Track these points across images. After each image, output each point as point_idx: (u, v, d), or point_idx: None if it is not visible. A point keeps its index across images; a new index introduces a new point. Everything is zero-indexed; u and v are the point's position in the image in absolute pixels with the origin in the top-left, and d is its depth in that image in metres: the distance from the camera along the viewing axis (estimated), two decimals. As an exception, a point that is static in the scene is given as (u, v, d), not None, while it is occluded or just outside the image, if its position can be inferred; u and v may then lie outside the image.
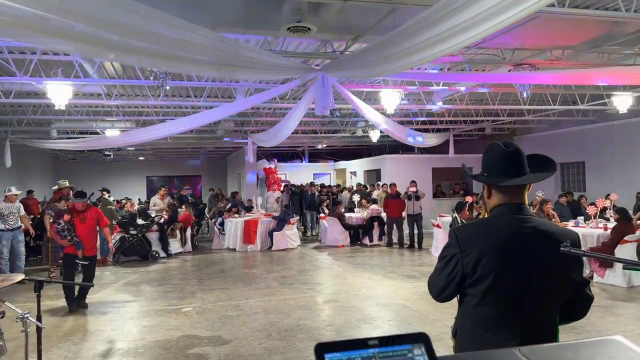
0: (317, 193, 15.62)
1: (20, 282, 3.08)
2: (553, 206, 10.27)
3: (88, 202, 7.48)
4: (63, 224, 6.76)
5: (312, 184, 17.31)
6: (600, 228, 8.47)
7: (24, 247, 9.15)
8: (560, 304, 1.87)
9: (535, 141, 15.72)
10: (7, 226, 8.64)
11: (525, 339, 1.76)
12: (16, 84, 8.48)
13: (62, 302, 7.28)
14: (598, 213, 9.02)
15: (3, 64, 7.16)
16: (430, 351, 0.83)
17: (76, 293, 6.93)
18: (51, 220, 9.15)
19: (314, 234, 15.42)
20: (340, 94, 8.15)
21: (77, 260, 6.86)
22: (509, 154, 1.92)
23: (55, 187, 11.02)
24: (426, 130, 14.98)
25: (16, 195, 8.97)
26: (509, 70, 7.55)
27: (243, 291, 7.94)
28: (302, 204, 15.41)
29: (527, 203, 1.95)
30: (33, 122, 12.54)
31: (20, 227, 8.92)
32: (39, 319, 2.91)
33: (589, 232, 8.45)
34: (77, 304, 6.87)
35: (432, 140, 14.02)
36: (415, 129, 13.94)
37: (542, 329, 1.83)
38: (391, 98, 8.98)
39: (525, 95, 8.09)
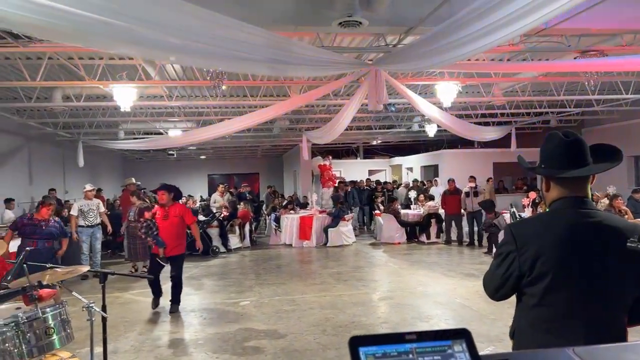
0: (349, 189, 15.10)
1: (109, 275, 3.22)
2: (626, 202, 9.62)
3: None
4: (143, 222, 6.64)
5: (347, 182, 16.36)
6: (680, 225, 7.82)
7: (100, 243, 9.50)
8: (629, 304, 1.73)
9: (606, 133, 14.75)
10: (86, 222, 9.01)
11: (589, 341, 1.65)
12: (86, 88, 9.01)
13: (129, 294, 7.69)
14: (677, 209, 8.34)
15: (74, 70, 7.63)
16: (471, 347, 0.79)
17: (170, 297, 6.60)
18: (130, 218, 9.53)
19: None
20: (395, 88, 8.02)
21: (157, 260, 6.50)
22: (569, 143, 1.80)
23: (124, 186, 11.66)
24: (486, 124, 14.47)
25: (91, 191, 9.34)
26: (575, 58, 7.12)
27: (299, 286, 8.02)
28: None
29: (590, 196, 1.83)
30: (102, 123, 13.29)
31: (98, 224, 9.27)
32: (103, 309, 3.08)
33: (667, 229, 7.83)
34: (170, 308, 6.57)
35: (491, 134, 13.51)
36: (474, 123, 13.48)
37: (609, 331, 1.70)
38: (448, 91, 8.74)
39: (592, 84, 7.60)
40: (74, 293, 3.22)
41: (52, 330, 2.67)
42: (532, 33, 6.08)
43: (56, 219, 7.26)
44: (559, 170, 1.79)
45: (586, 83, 8.70)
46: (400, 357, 0.75)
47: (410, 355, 0.76)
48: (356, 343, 0.77)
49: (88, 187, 9.41)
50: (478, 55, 7.34)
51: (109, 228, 9.84)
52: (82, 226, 8.98)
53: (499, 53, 7.57)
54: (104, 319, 3.12)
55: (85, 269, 3.31)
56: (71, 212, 9.17)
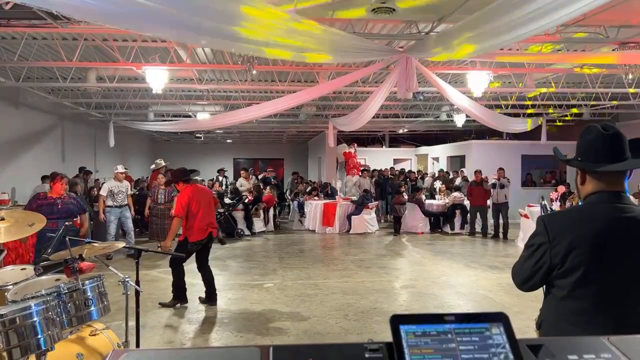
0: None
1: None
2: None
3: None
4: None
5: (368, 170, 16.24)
6: None
7: (132, 222, 9.56)
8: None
9: (642, 128, 14.28)
10: (115, 203, 9.12)
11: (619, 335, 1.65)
12: (119, 69, 9.17)
13: (156, 272, 7.88)
14: None
15: (108, 51, 7.78)
16: (509, 331, 0.81)
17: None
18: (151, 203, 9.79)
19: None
20: (425, 76, 7.94)
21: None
22: (608, 137, 1.78)
23: (153, 166, 11.86)
24: (517, 115, 14.19)
25: (122, 173, 9.40)
26: (613, 50, 6.91)
27: (321, 271, 8.11)
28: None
29: (626, 191, 1.81)
30: (133, 105, 13.54)
31: (126, 204, 9.37)
32: (137, 283, 3.20)
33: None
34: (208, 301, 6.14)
35: (521, 125, 13.24)
36: (505, 114, 13.24)
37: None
38: (479, 80, 8.60)
39: (630, 77, 7.36)
40: (110, 267, 3.35)
41: (91, 301, 2.80)
42: (570, 23, 5.93)
43: (72, 194, 6.57)
44: (596, 163, 1.78)
45: (623, 76, 8.44)
46: (439, 336, 0.79)
47: (449, 335, 0.79)
48: (397, 321, 0.80)
49: (120, 168, 9.48)
50: (511, 45, 7.20)
51: (132, 211, 9.70)
52: (111, 206, 9.10)
53: (533, 43, 7.39)
54: (137, 293, 3.24)
55: (121, 244, 3.44)
56: (100, 192, 9.30)
